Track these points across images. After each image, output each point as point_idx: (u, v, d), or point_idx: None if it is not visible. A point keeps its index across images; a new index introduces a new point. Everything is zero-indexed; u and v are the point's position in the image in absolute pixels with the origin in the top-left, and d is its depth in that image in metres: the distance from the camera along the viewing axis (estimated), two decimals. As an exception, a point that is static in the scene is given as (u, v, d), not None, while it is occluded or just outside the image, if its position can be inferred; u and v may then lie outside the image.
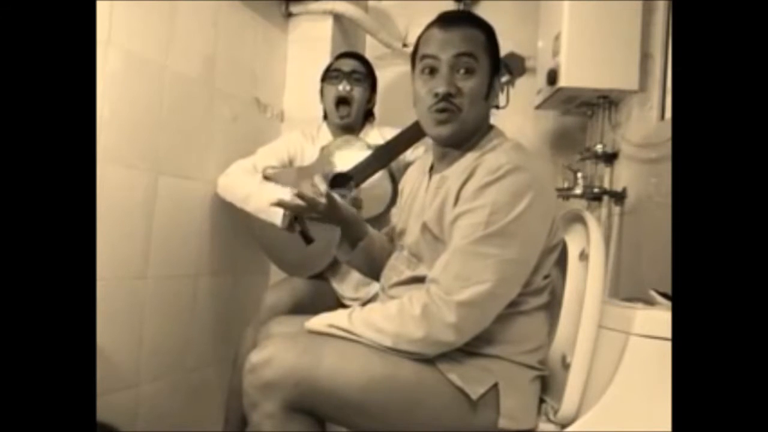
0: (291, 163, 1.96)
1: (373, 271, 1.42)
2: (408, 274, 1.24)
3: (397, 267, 1.29)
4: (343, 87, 1.90)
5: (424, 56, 1.21)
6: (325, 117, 2.02)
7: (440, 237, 1.17)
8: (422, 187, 1.30)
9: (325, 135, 1.98)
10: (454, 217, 1.13)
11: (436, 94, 1.17)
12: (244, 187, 1.86)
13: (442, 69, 1.18)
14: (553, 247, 1.19)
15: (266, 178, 1.88)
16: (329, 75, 1.96)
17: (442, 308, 1.07)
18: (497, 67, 1.25)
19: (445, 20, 1.22)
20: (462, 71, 1.18)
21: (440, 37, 1.20)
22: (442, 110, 1.18)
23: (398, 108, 2.06)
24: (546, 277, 1.20)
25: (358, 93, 1.92)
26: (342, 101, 1.91)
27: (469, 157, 1.20)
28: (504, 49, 1.62)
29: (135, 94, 1.62)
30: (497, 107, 1.32)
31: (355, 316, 1.15)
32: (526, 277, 1.14)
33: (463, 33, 1.19)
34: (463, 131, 1.21)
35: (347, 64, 1.95)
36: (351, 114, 1.92)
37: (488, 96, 1.22)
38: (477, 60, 1.19)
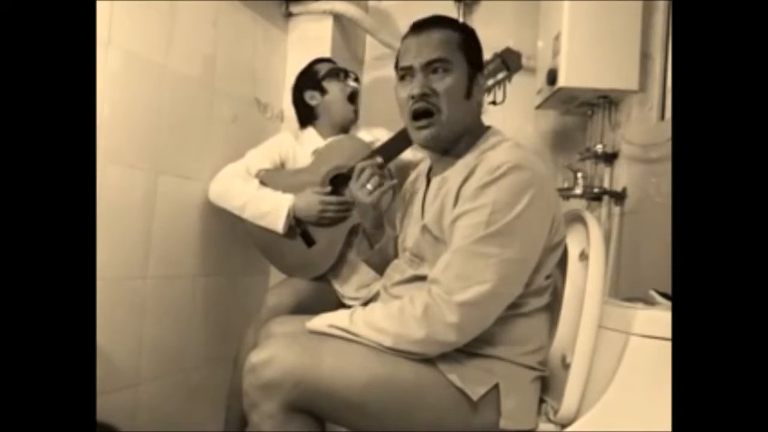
0: (283, 165, 1.93)
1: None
2: (410, 272, 1.24)
3: (399, 266, 1.29)
4: (354, 83, 1.94)
5: (401, 67, 1.24)
6: (309, 121, 2.00)
7: (440, 237, 1.17)
8: (421, 190, 1.31)
9: (313, 137, 1.96)
10: (455, 217, 1.13)
11: (412, 97, 1.19)
12: (240, 194, 1.82)
13: (417, 73, 1.20)
14: (555, 246, 1.19)
15: (261, 182, 1.86)
16: (334, 72, 1.95)
17: (444, 309, 1.07)
18: (478, 64, 1.25)
19: (415, 27, 1.24)
20: (436, 73, 1.20)
21: (412, 45, 1.22)
22: (420, 111, 1.19)
23: (397, 108, 2.06)
24: (548, 277, 1.20)
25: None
26: (354, 96, 1.94)
27: (468, 157, 1.21)
28: (502, 47, 1.61)
29: (135, 94, 1.62)
30: (494, 103, 1.31)
31: (356, 317, 1.15)
32: (528, 277, 1.14)
33: (433, 37, 1.21)
34: (448, 133, 1.21)
35: (340, 65, 1.99)
36: (357, 114, 1.96)
37: (470, 94, 1.22)
38: (450, 61, 1.20)
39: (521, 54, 1.63)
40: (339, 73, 1.95)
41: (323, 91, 1.96)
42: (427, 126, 1.20)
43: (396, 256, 1.39)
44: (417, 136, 1.23)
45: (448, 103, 1.19)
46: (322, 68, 1.98)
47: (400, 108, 1.25)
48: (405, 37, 1.25)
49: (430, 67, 1.19)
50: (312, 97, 1.96)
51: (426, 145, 1.25)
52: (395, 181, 1.43)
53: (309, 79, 1.98)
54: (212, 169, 1.90)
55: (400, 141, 1.59)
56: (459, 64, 1.21)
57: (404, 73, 1.23)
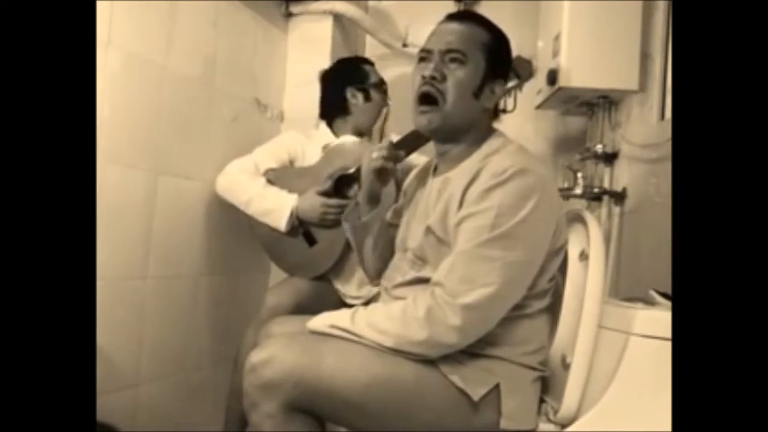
0: (291, 163, 1.94)
1: (366, 249, 1.41)
2: (412, 274, 1.23)
3: (401, 267, 1.29)
4: (389, 104, 1.97)
5: (422, 49, 1.25)
6: (324, 116, 2.00)
7: (444, 239, 1.17)
8: (425, 190, 1.30)
9: (325, 134, 1.96)
10: (459, 220, 1.13)
11: (423, 77, 1.20)
12: (246, 189, 1.84)
13: (434, 57, 1.21)
14: (557, 250, 1.19)
15: (268, 181, 1.86)
16: (382, 85, 1.97)
17: (447, 311, 1.07)
18: (499, 72, 1.25)
19: (448, 17, 1.26)
20: (452, 62, 1.20)
21: (439, 31, 1.24)
22: (425, 95, 1.20)
23: (397, 108, 2.07)
24: (550, 279, 1.20)
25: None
26: (384, 115, 1.99)
27: (473, 160, 1.21)
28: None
29: (135, 94, 1.62)
30: (504, 111, 1.32)
31: (357, 317, 1.14)
32: (531, 280, 1.14)
33: (460, 29, 1.22)
34: (448, 123, 1.21)
35: (381, 76, 2.00)
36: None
37: (479, 95, 1.22)
38: (467, 55, 1.20)
39: (532, 62, 1.63)
40: (385, 90, 1.98)
41: (368, 98, 1.95)
42: (428, 111, 1.21)
43: (385, 243, 1.39)
44: (417, 120, 1.23)
45: (454, 93, 1.19)
46: (372, 74, 1.98)
47: (413, 87, 1.24)
48: (439, 24, 1.27)
49: (448, 55, 1.20)
50: (354, 96, 1.95)
51: (425, 130, 1.25)
52: (398, 172, 1.41)
53: (358, 78, 1.97)
54: (212, 168, 1.90)
55: (419, 136, 1.59)
56: (477, 62, 1.21)
57: (423, 55, 1.24)
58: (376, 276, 1.44)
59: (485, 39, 1.23)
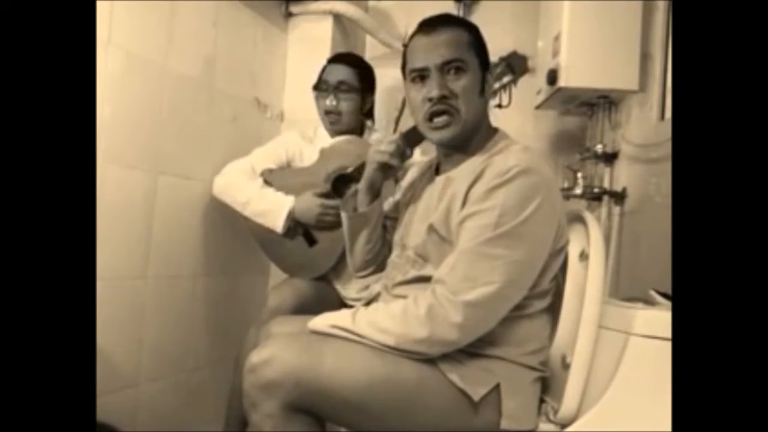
0: (289, 164, 1.93)
1: (359, 240, 1.40)
2: (413, 273, 1.23)
3: (401, 266, 1.28)
4: (330, 102, 1.85)
5: (414, 69, 1.22)
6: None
7: (447, 238, 1.17)
8: (427, 189, 1.30)
9: (324, 136, 1.96)
10: (462, 219, 1.13)
11: (430, 99, 1.19)
12: (244, 191, 1.83)
13: (433, 74, 1.19)
14: (559, 250, 1.19)
15: (266, 182, 1.86)
16: (319, 86, 1.90)
17: (448, 308, 1.07)
18: (486, 62, 1.26)
19: (425, 27, 1.23)
20: (452, 73, 1.19)
21: (424, 45, 1.21)
22: (438, 113, 1.19)
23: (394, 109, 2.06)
24: (552, 279, 1.20)
25: (345, 106, 1.86)
26: (328, 113, 1.87)
27: (477, 159, 1.21)
28: (504, 48, 1.61)
29: (135, 95, 1.62)
30: (500, 106, 1.32)
31: (358, 316, 1.14)
32: (533, 280, 1.14)
33: (446, 36, 1.20)
34: (464, 131, 1.21)
35: (334, 75, 1.88)
36: (340, 122, 1.87)
37: (483, 92, 1.23)
38: (464, 61, 1.20)
39: (527, 58, 1.63)
40: (326, 89, 1.87)
41: (316, 98, 1.93)
42: (445, 125, 1.20)
43: (378, 236, 1.39)
44: (434, 136, 1.22)
45: (466, 103, 1.19)
46: (321, 75, 1.91)
47: (413, 110, 1.24)
48: (413, 36, 1.25)
49: (446, 67, 1.19)
50: (316, 103, 1.94)
51: (444, 145, 1.25)
52: (401, 166, 1.39)
53: (314, 85, 1.93)
54: (212, 169, 1.90)
55: (420, 132, 1.59)
56: (472, 63, 1.21)
57: (417, 74, 1.21)
58: (362, 267, 1.44)
59: (468, 38, 1.23)
